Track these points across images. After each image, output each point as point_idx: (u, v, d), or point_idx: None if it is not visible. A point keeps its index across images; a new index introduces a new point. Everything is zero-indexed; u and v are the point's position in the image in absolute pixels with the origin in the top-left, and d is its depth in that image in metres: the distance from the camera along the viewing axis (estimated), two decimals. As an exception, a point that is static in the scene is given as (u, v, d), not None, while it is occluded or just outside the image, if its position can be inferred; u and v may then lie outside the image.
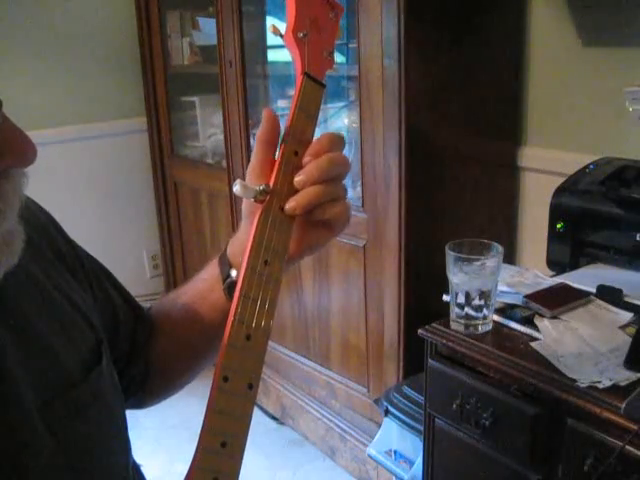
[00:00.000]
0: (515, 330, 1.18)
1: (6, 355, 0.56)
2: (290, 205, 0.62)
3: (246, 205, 0.68)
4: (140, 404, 0.83)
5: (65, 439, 0.59)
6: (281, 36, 0.66)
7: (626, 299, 1.24)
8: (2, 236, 0.51)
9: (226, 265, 0.72)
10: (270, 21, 2.29)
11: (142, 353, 0.78)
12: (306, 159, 0.63)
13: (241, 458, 0.60)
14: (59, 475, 0.58)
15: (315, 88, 0.66)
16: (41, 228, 0.68)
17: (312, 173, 0.62)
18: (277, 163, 0.63)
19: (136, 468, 0.72)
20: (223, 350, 0.59)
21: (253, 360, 0.60)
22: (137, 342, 0.77)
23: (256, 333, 0.60)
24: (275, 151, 0.65)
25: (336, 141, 0.64)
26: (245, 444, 0.60)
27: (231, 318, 0.59)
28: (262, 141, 0.65)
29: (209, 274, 0.76)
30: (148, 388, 0.80)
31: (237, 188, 0.61)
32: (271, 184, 0.62)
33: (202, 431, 0.58)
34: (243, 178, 0.63)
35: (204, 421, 0.58)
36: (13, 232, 0.52)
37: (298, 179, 0.62)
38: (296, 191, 0.63)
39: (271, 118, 0.64)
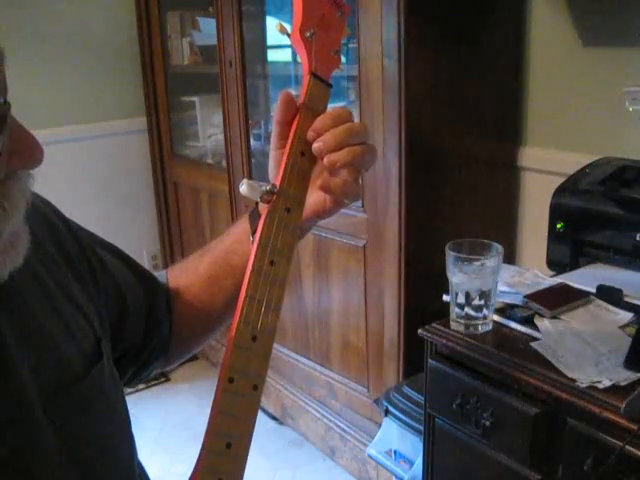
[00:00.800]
0: (515, 330, 1.18)
1: (11, 351, 0.56)
2: (322, 180, 0.63)
3: (274, 156, 0.68)
4: (164, 366, 0.85)
5: (68, 434, 0.59)
6: (288, 35, 0.66)
7: (626, 299, 1.24)
8: (8, 237, 0.51)
9: (257, 219, 0.72)
10: (270, 21, 2.29)
11: (162, 323, 0.79)
12: (309, 134, 0.63)
13: (246, 459, 0.60)
14: (63, 471, 0.58)
15: (322, 88, 0.66)
16: (46, 224, 0.68)
17: (329, 141, 0.62)
18: (283, 163, 0.63)
19: (141, 467, 0.73)
20: (228, 351, 0.59)
21: (258, 361, 0.60)
22: (154, 314, 0.78)
23: (262, 334, 0.60)
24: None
25: (340, 117, 0.64)
26: (250, 445, 0.60)
27: (237, 319, 0.59)
28: (277, 122, 0.66)
29: (237, 230, 0.77)
30: (172, 351, 0.82)
31: (243, 188, 0.61)
32: (277, 184, 0.62)
33: (207, 432, 0.58)
34: (243, 178, 0.63)
35: (209, 422, 0.58)
36: (19, 233, 0.53)
37: (316, 145, 0.62)
38: (302, 193, 0.64)
39: (288, 102, 0.64)
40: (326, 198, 0.68)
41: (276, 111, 0.65)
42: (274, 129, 0.67)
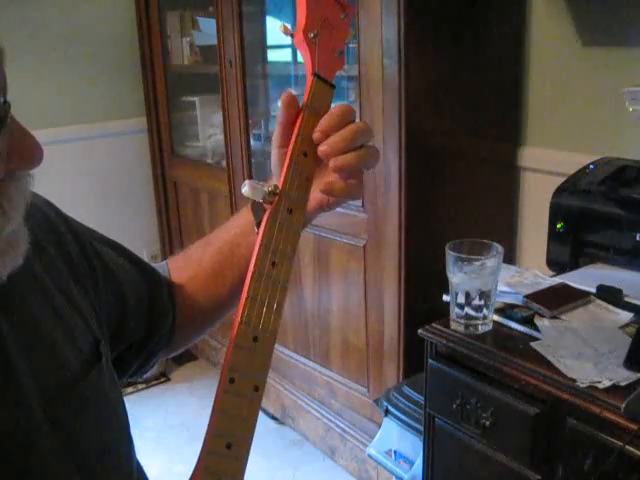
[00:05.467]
0: (515, 330, 1.18)
1: (10, 353, 0.56)
2: (325, 182, 0.63)
3: (276, 154, 0.68)
4: (167, 355, 0.85)
5: (68, 436, 0.59)
6: (292, 36, 0.66)
7: (626, 299, 1.24)
8: (7, 238, 0.51)
9: (261, 211, 0.71)
10: (270, 21, 2.29)
11: (165, 316, 0.79)
12: (316, 134, 0.63)
13: (246, 460, 0.60)
14: (63, 473, 0.58)
15: (325, 89, 0.66)
16: (47, 224, 0.68)
17: (337, 144, 0.62)
18: (286, 165, 0.63)
19: (139, 467, 0.73)
20: (229, 351, 0.59)
21: (259, 362, 0.60)
22: (157, 307, 0.78)
23: (263, 335, 0.60)
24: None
25: (347, 115, 0.64)
26: (250, 446, 0.60)
27: (238, 320, 0.59)
28: (281, 124, 0.66)
29: (241, 222, 0.77)
30: (175, 341, 0.82)
31: (246, 189, 0.61)
32: (280, 185, 0.62)
33: (208, 432, 0.58)
34: (243, 178, 0.63)
35: (210, 422, 0.58)
36: (18, 234, 0.53)
37: (322, 148, 0.62)
38: (304, 194, 0.64)
39: (290, 104, 0.64)
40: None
41: (279, 113, 0.65)
42: (276, 129, 0.67)
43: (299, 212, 0.63)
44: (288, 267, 0.62)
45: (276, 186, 0.62)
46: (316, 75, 0.65)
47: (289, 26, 0.66)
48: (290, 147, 0.63)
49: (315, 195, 0.68)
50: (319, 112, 0.64)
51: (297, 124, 0.63)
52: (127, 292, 0.76)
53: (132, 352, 0.77)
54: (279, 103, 0.65)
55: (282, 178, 0.62)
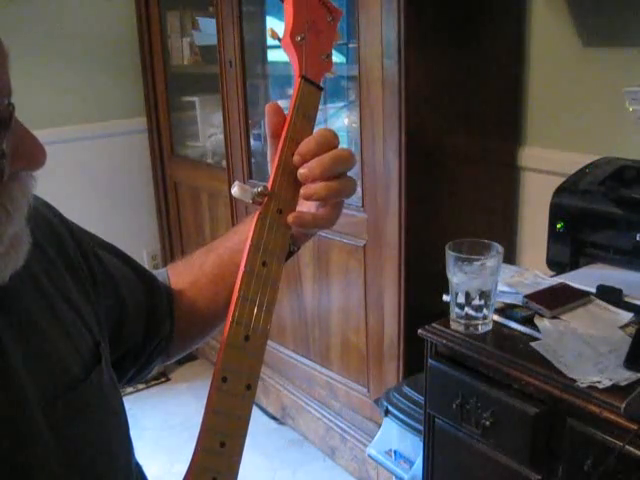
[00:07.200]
0: (515, 330, 1.18)
1: (10, 355, 0.56)
2: (293, 216, 0.62)
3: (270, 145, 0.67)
4: (164, 362, 0.85)
5: (67, 438, 0.59)
6: (279, 39, 0.66)
7: (626, 299, 1.24)
8: (9, 239, 0.51)
9: None
10: (270, 21, 2.29)
11: (163, 323, 0.79)
12: (295, 158, 0.62)
13: (240, 458, 0.61)
14: (62, 475, 0.58)
15: (312, 91, 0.66)
16: (47, 226, 0.68)
17: (315, 169, 0.61)
18: (275, 166, 0.63)
19: (139, 468, 0.73)
20: (221, 351, 0.59)
21: (252, 361, 0.61)
22: (155, 314, 0.78)
23: (254, 334, 0.61)
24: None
25: (326, 141, 0.63)
26: (244, 444, 0.61)
27: (229, 319, 0.60)
28: (271, 136, 0.65)
29: (244, 229, 0.77)
30: (172, 348, 0.82)
31: (235, 190, 0.62)
32: (269, 186, 0.62)
33: (201, 431, 0.58)
34: (243, 178, 0.63)
35: (203, 421, 0.59)
36: (20, 235, 0.53)
37: (302, 171, 0.62)
38: (294, 194, 0.63)
39: (275, 112, 0.64)
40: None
41: (267, 125, 0.65)
42: (269, 143, 0.67)
43: (288, 212, 0.64)
44: (278, 266, 0.63)
45: (265, 187, 0.62)
46: (303, 77, 0.65)
47: (277, 30, 0.66)
48: (279, 149, 0.63)
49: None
50: (307, 114, 0.65)
51: (285, 126, 0.64)
52: (126, 296, 0.76)
53: (129, 358, 0.78)
54: (266, 116, 0.65)
55: (271, 179, 0.63)
